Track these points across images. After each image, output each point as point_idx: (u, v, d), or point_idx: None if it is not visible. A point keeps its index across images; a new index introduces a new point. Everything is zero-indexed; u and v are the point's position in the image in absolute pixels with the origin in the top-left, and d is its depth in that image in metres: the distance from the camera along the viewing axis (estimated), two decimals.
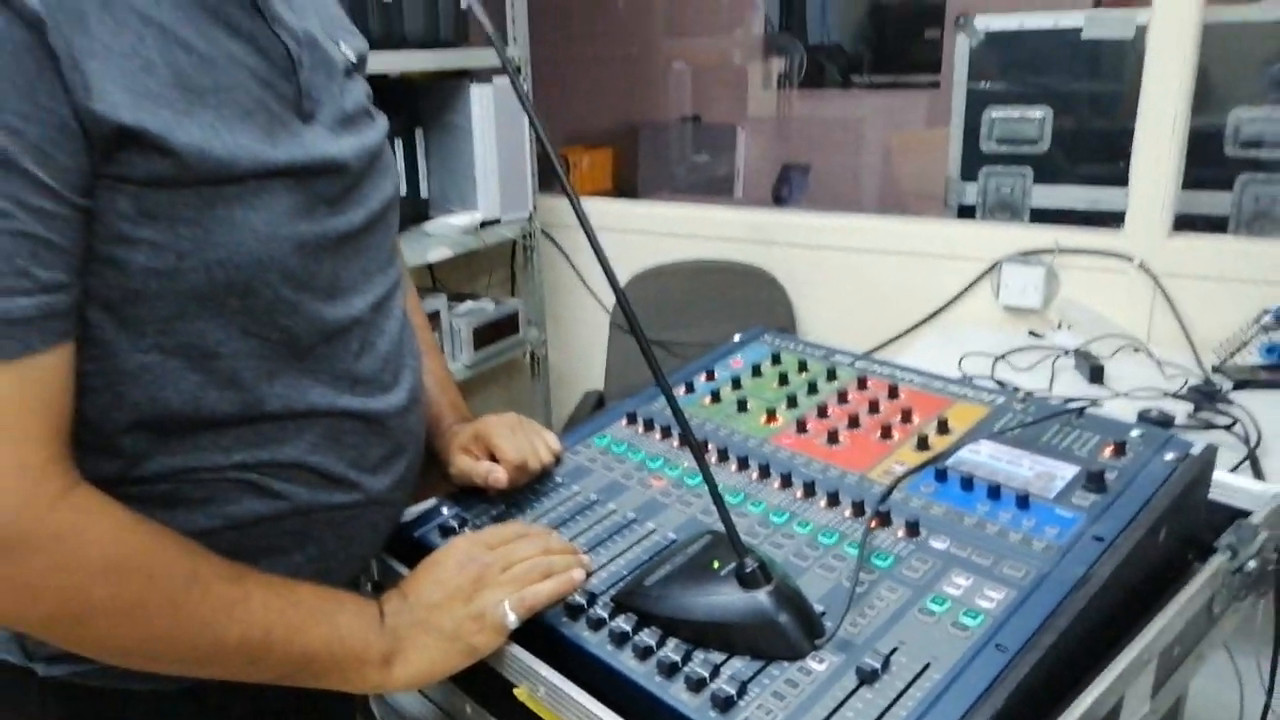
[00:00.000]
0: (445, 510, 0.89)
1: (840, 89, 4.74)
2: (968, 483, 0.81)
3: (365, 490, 0.76)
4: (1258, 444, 1.43)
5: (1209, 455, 0.83)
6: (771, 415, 0.96)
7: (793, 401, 0.97)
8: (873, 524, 0.78)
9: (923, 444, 0.88)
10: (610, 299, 2.45)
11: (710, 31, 4.55)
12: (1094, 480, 0.79)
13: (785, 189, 3.84)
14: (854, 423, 0.93)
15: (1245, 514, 0.85)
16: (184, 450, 0.67)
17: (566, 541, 0.80)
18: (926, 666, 0.64)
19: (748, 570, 0.69)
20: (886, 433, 0.91)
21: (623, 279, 2.37)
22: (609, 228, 2.53)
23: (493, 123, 2.13)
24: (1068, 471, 0.81)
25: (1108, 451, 0.83)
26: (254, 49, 0.68)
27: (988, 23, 2.32)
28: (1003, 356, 1.83)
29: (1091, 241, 1.98)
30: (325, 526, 0.74)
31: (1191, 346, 1.83)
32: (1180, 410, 1.53)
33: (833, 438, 0.91)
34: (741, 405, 0.99)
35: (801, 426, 0.94)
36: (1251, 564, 0.85)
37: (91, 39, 0.57)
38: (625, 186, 3.84)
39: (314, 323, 0.70)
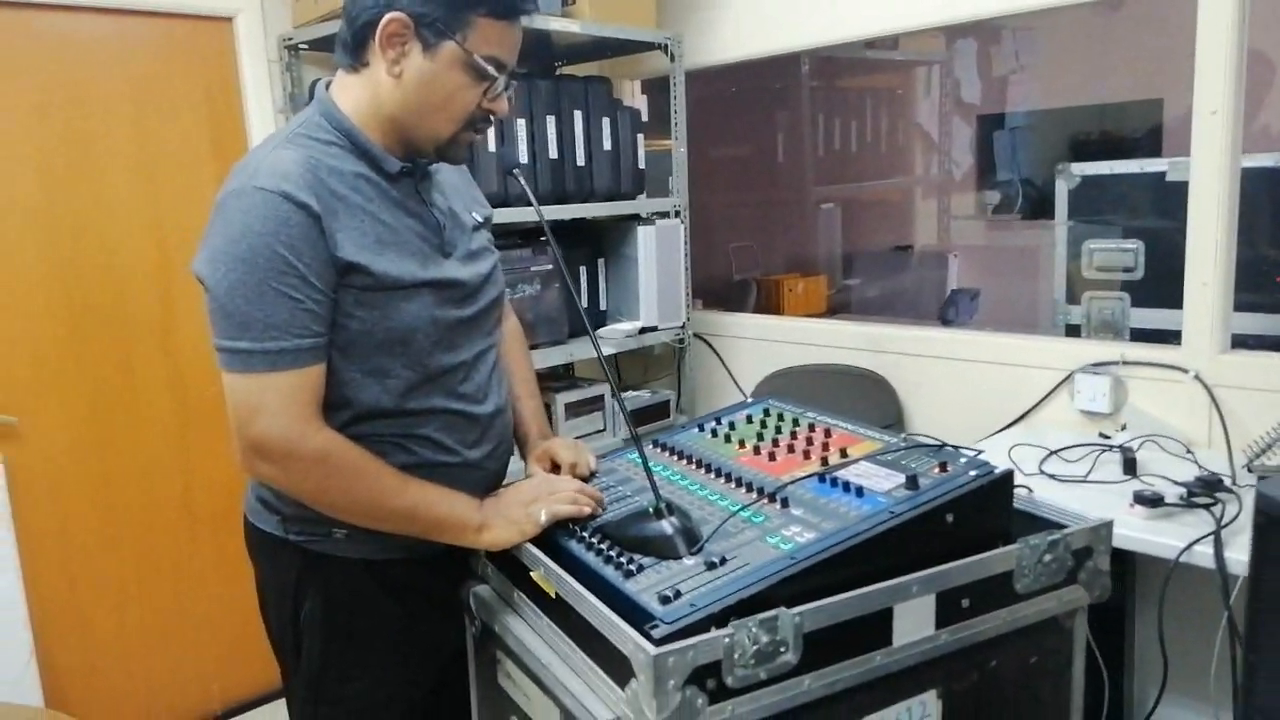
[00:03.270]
0: None
1: (1028, 220, 5.02)
2: (835, 483, 1.26)
3: (464, 457, 1.35)
4: (1231, 521, 1.69)
5: (1007, 475, 1.23)
6: (742, 444, 1.45)
7: (761, 437, 1.45)
8: (764, 502, 1.24)
9: (824, 462, 1.33)
10: (748, 389, 2.94)
11: (905, 171, 5.03)
12: (911, 482, 1.21)
13: (952, 311, 4.18)
14: (791, 450, 1.39)
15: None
16: (369, 424, 1.28)
17: (594, 490, 1.32)
18: (746, 564, 1.10)
19: (658, 509, 1.18)
20: (807, 456, 1.36)
21: (759, 377, 2.89)
22: (754, 337, 3.07)
23: (654, 254, 2.75)
24: (901, 478, 1.23)
25: (935, 469, 1.25)
26: (418, 220, 1.32)
27: (1083, 168, 2.67)
28: (1055, 452, 2.15)
29: (1153, 356, 2.25)
30: (441, 475, 1.32)
31: (1228, 447, 2.06)
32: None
33: (771, 457, 1.38)
34: (727, 439, 1.48)
35: (756, 450, 1.41)
36: (1047, 557, 1.22)
37: (338, 221, 1.21)
38: (839, 308, 4.35)
39: (440, 362, 1.31)
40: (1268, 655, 0.96)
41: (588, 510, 1.27)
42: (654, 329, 2.81)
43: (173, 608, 2.68)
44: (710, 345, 3.15)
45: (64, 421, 2.48)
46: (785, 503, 1.23)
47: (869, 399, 2.73)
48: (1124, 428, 2.27)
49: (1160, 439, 2.14)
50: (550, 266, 2.61)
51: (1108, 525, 1.29)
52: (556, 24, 2.49)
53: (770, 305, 3.80)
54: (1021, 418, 2.48)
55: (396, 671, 1.37)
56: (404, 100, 1.26)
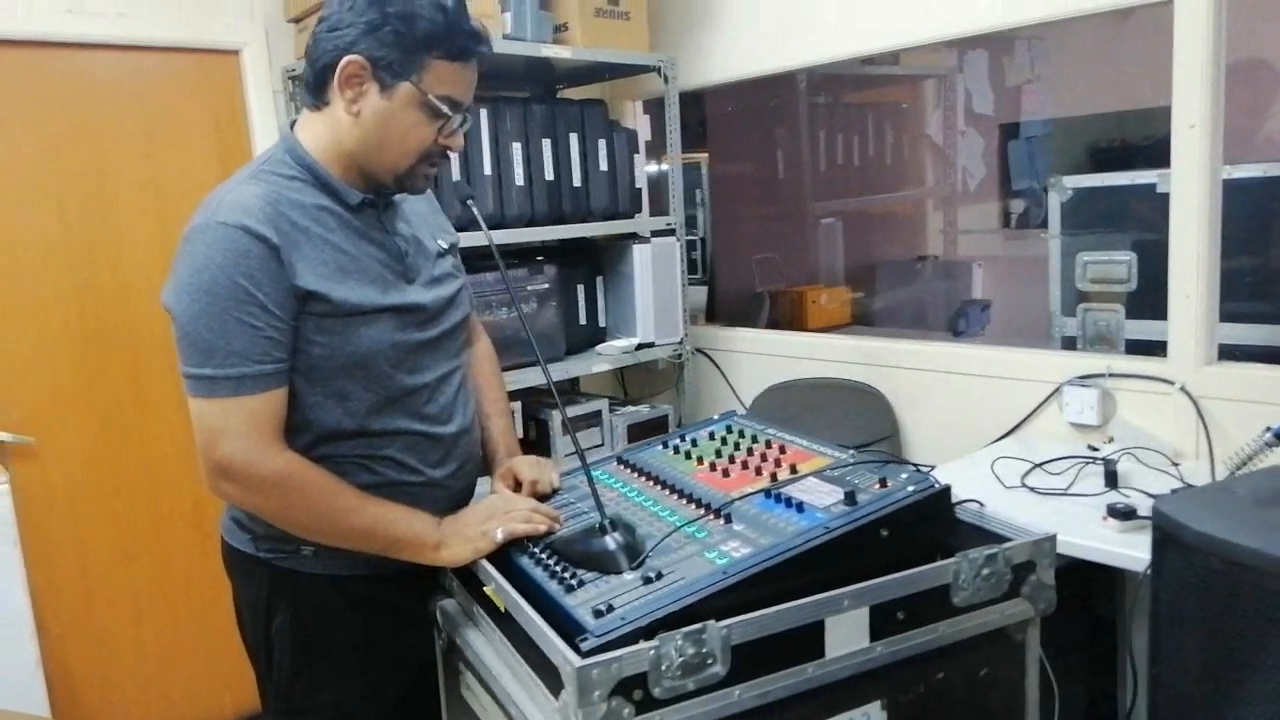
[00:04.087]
0: None
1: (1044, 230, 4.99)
2: (779, 499, 1.29)
3: (428, 477, 1.40)
4: None
5: (944, 490, 1.26)
6: (700, 461, 1.49)
7: (719, 454, 1.49)
8: (709, 517, 1.28)
9: (774, 478, 1.37)
10: (749, 403, 2.98)
11: (921, 183, 5.05)
12: (849, 498, 1.24)
13: (962, 322, 4.18)
14: (745, 466, 1.43)
15: None
16: (331, 445, 1.34)
17: (550, 509, 1.37)
18: (681, 578, 1.14)
19: (602, 526, 1.23)
20: (759, 472, 1.40)
21: (758, 390, 2.92)
22: (754, 351, 3.10)
23: (650, 271, 2.80)
24: (841, 494, 1.27)
25: (876, 485, 1.28)
26: (380, 248, 1.37)
27: (1075, 180, 2.67)
28: (1039, 465, 2.16)
29: (1139, 368, 2.26)
30: (405, 494, 1.37)
31: (1211, 459, 2.06)
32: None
33: (725, 474, 1.42)
34: (688, 455, 1.52)
35: (713, 467, 1.45)
36: (985, 571, 1.25)
37: (298, 251, 1.27)
38: (864, 319, 4.37)
39: (402, 385, 1.36)
40: (1167, 668, 0.98)
41: (542, 528, 1.32)
42: (651, 345, 2.86)
43: (185, 619, 2.77)
44: (712, 360, 3.19)
45: (79, 439, 2.58)
46: (729, 518, 1.27)
47: (863, 413, 2.75)
48: (1111, 440, 2.28)
49: (1146, 451, 2.14)
50: (546, 286, 2.67)
51: (1050, 539, 1.31)
52: (548, 51, 2.55)
53: (794, 317, 3.83)
54: (1012, 430, 2.49)
55: (364, 683, 1.42)
56: (363, 137, 1.32)
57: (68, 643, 2.58)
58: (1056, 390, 2.39)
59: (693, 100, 4.20)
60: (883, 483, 1.28)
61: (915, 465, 1.37)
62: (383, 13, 1.27)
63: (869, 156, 4.94)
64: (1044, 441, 2.38)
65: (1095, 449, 2.27)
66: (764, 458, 1.45)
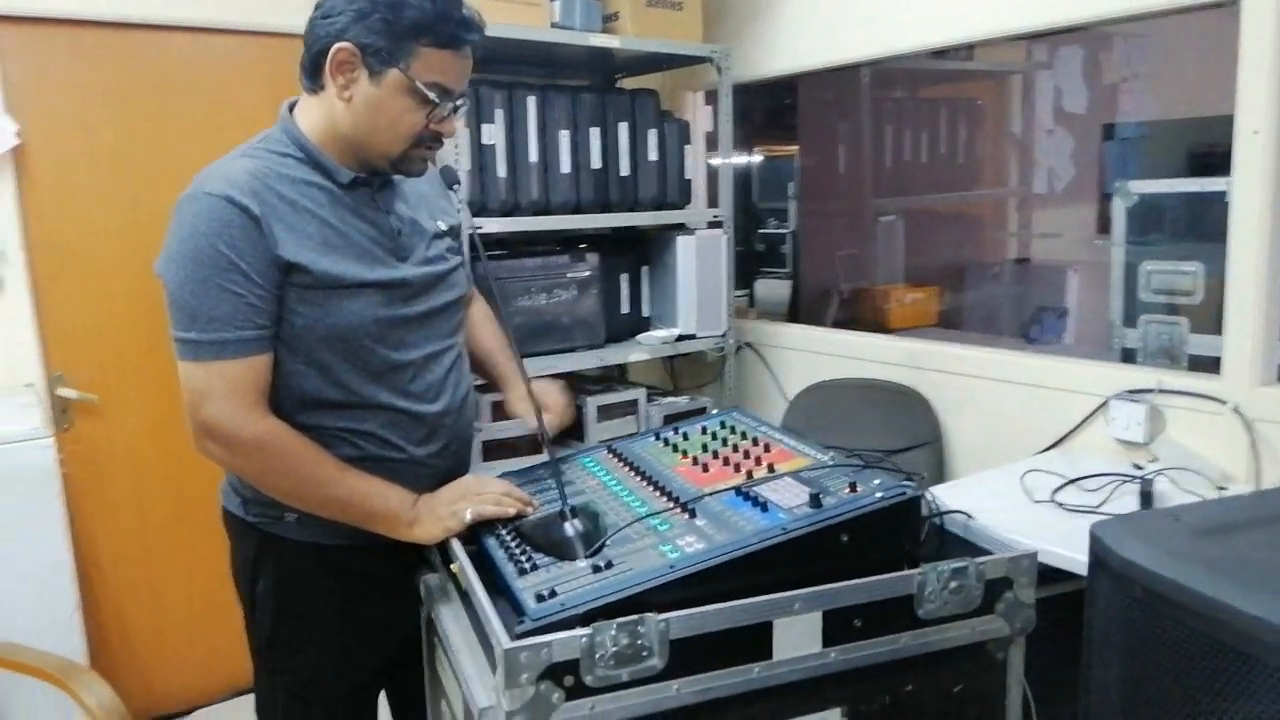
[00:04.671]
0: None
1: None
2: (747, 497, 1.28)
3: (410, 455, 1.43)
4: None
5: (914, 499, 1.22)
6: (685, 454, 1.48)
7: (705, 449, 1.48)
8: (676, 511, 1.28)
9: (749, 475, 1.35)
10: (791, 397, 2.94)
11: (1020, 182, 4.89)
12: (814, 500, 1.22)
13: (1036, 329, 4.02)
14: (726, 462, 1.42)
15: None
16: (314, 416, 1.38)
17: (524, 493, 1.39)
18: (630, 569, 1.14)
19: (563, 513, 1.24)
20: (738, 469, 1.39)
21: (798, 388, 2.88)
22: (794, 348, 3.06)
23: (693, 263, 2.79)
24: (808, 495, 1.24)
25: (846, 489, 1.25)
26: (373, 225, 1.41)
27: (1141, 186, 2.55)
28: (1073, 481, 2.07)
29: (1190, 385, 2.14)
30: (386, 470, 1.41)
31: (1258, 486, 1.94)
32: None
33: (705, 469, 1.41)
34: (675, 448, 1.51)
35: (695, 461, 1.44)
36: (954, 584, 1.21)
37: (281, 222, 1.31)
38: (950, 321, 4.27)
39: (384, 360, 1.39)
40: (1095, 698, 0.93)
41: (511, 511, 1.34)
42: (692, 337, 2.84)
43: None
44: (759, 354, 3.16)
45: (140, 402, 2.72)
46: (694, 513, 1.26)
47: (904, 416, 2.68)
48: (1155, 459, 2.17)
49: (1192, 473, 2.03)
50: (587, 273, 2.68)
51: (1030, 556, 1.26)
52: (595, 40, 2.56)
53: (876, 317, 3.75)
54: (1057, 443, 2.39)
55: (342, 649, 1.46)
56: (354, 121, 1.36)
57: (123, 593, 2.73)
58: (1104, 404, 2.28)
59: (785, 90, 4.15)
60: (852, 487, 1.25)
61: (906, 473, 1.34)
62: (372, 1, 1.29)
63: (954, 154, 4.79)
64: (1088, 456, 2.28)
65: (1139, 467, 2.16)
66: (747, 455, 1.43)
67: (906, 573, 1.19)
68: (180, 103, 2.73)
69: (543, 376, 2.53)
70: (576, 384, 2.83)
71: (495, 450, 2.47)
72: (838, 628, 1.17)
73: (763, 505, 1.24)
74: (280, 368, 1.35)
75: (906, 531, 1.24)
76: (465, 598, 1.30)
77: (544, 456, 1.53)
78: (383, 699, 1.65)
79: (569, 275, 2.65)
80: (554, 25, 2.54)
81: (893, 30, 2.68)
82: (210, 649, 2.86)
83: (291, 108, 1.43)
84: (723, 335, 2.91)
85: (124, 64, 2.66)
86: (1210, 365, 2.38)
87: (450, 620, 1.34)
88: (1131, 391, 2.23)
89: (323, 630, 1.45)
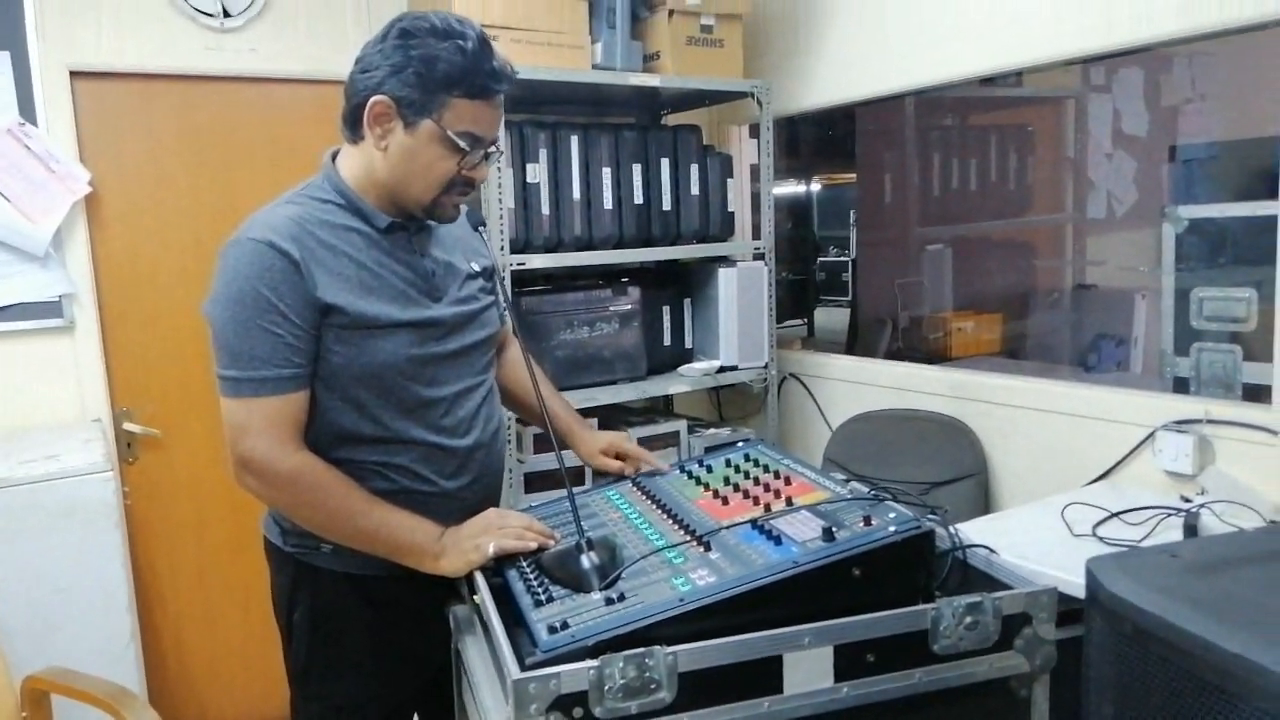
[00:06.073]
0: None
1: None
2: (762, 530, 1.29)
3: (441, 488, 1.48)
4: None
5: (925, 534, 1.22)
6: (706, 487, 1.50)
7: (727, 481, 1.50)
8: (691, 544, 1.30)
9: (767, 509, 1.36)
10: (834, 428, 2.93)
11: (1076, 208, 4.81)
12: (827, 534, 1.23)
13: (1094, 357, 3.93)
14: (746, 495, 1.43)
15: None
16: (350, 450, 1.44)
17: (544, 527, 1.42)
18: (641, 602, 1.17)
19: (579, 545, 1.27)
20: (757, 501, 1.40)
21: (844, 418, 2.87)
22: (839, 379, 3.05)
23: (735, 294, 2.81)
24: (821, 528, 1.25)
25: (861, 522, 1.26)
26: (408, 268, 1.47)
27: (1191, 211, 2.50)
28: (1116, 514, 2.03)
29: (1239, 415, 2.09)
30: (418, 503, 1.45)
31: None
32: None
33: (725, 502, 1.43)
34: (698, 481, 1.54)
35: (715, 494, 1.46)
36: (969, 619, 1.20)
37: (320, 266, 1.38)
38: (1016, 349, 4.21)
39: (417, 396, 1.45)
40: None
41: (532, 545, 1.37)
42: (734, 368, 2.86)
43: None
44: (805, 385, 3.16)
45: (200, 435, 2.84)
46: (709, 546, 1.28)
47: (949, 448, 2.65)
48: (1203, 491, 2.11)
49: (1240, 506, 1.97)
50: (629, 307, 2.72)
51: (1049, 592, 1.24)
52: (635, 79, 2.62)
53: (937, 345, 3.70)
54: (1105, 474, 2.34)
55: (375, 676, 1.51)
56: (390, 169, 1.43)
57: (181, 622, 2.84)
58: (1151, 435, 2.23)
59: (844, 119, 4.16)
60: (867, 521, 1.26)
61: (930, 507, 1.34)
62: (407, 55, 1.36)
63: (1006, 180, 4.74)
64: (1136, 488, 2.23)
65: (1188, 500, 2.11)
66: (767, 488, 1.45)
67: (920, 607, 1.19)
68: (242, 150, 2.86)
69: (583, 409, 2.60)
70: (619, 416, 2.87)
71: (537, 482, 2.51)
72: (850, 663, 1.17)
73: (776, 538, 1.25)
74: (318, 404, 1.41)
75: (921, 565, 1.24)
76: (488, 629, 1.33)
77: (583, 488, 1.57)
78: None
79: (611, 308, 2.69)
80: (596, 67, 2.60)
81: (935, 61, 2.68)
82: (264, 677, 2.94)
83: (335, 156, 1.50)
84: (764, 366, 2.92)
85: (192, 114, 2.80)
86: (1267, 395, 2.32)
87: (474, 651, 1.37)
88: (1179, 422, 2.18)
89: (356, 657, 1.50)
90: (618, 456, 1.69)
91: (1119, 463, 2.31)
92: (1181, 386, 2.54)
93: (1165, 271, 2.56)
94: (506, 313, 1.69)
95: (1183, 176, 4.81)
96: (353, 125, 1.45)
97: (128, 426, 2.73)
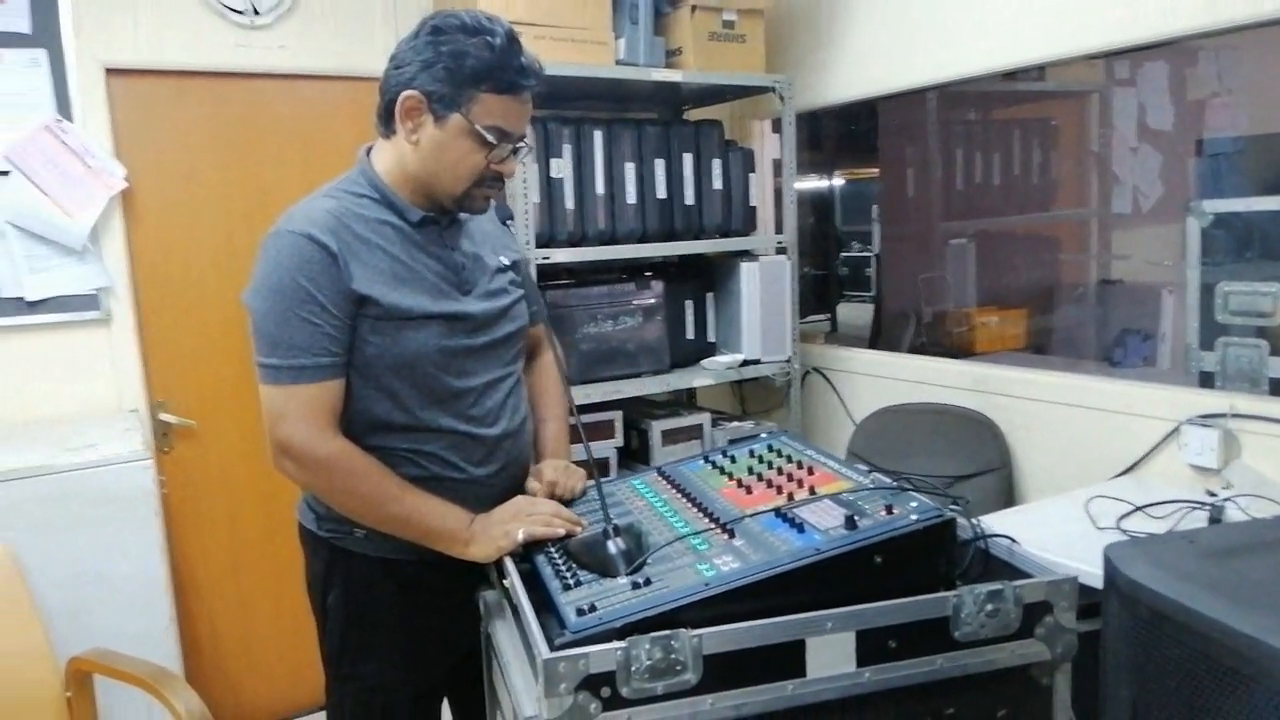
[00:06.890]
0: None
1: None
2: (786, 518, 1.32)
3: (470, 474, 1.51)
4: None
5: (947, 522, 1.24)
6: (731, 477, 1.52)
7: (751, 471, 1.53)
8: (716, 531, 1.33)
9: (790, 498, 1.39)
10: (857, 422, 2.95)
11: (1102, 202, 4.79)
12: (849, 522, 1.25)
13: (1119, 352, 3.91)
14: (770, 484, 1.46)
15: None
16: (382, 437, 1.47)
17: (572, 514, 1.45)
18: (666, 586, 1.19)
19: (606, 532, 1.30)
20: (780, 490, 1.43)
21: (867, 412, 2.89)
22: (863, 372, 3.06)
23: (757, 288, 2.83)
24: (843, 516, 1.28)
25: (883, 511, 1.28)
26: (439, 261, 1.50)
27: (1215, 205, 2.49)
28: (1141, 508, 2.04)
29: (1265, 409, 2.09)
30: (447, 489, 1.49)
31: None
32: None
33: (749, 491, 1.45)
34: (723, 471, 1.56)
35: (740, 484, 1.49)
36: (990, 607, 1.22)
37: (356, 258, 1.42)
38: (1042, 344, 4.20)
39: (447, 386, 1.48)
40: (1113, 714, 0.93)
41: (560, 531, 1.40)
42: (756, 362, 2.88)
43: None
44: (828, 379, 3.18)
45: (234, 426, 2.89)
46: (733, 534, 1.31)
47: (973, 441, 2.66)
48: (1229, 485, 2.11)
49: (1265, 499, 1.98)
50: (653, 301, 2.75)
51: (1070, 580, 1.26)
52: (657, 75, 2.64)
53: (961, 341, 3.70)
54: (1130, 468, 2.35)
55: (406, 658, 1.55)
56: (421, 163, 1.46)
57: (216, 607, 2.90)
58: (1176, 429, 2.24)
59: (866, 113, 4.17)
60: (889, 509, 1.28)
61: (952, 497, 1.36)
62: (437, 51, 1.40)
63: (1030, 173, 4.72)
64: (1161, 482, 2.23)
65: (1214, 494, 2.11)
66: (790, 478, 1.47)
67: (941, 595, 1.21)
68: (274, 145, 2.91)
69: (607, 401, 2.63)
70: (643, 408, 2.90)
71: None
72: (872, 648, 1.20)
73: (799, 526, 1.28)
74: (352, 393, 1.45)
75: (942, 554, 1.26)
76: (517, 613, 1.36)
77: (609, 478, 1.60)
78: (446, 711, 1.73)
79: (635, 302, 2.72)
80: (619, 63, 2.63)
81: (957, 55, 2.69)
82: (296, 662, 3.00)
83: (369, 151, 1.54)
84: (787, 360, 2.94)
85: (224, 110, 2.85)
86: None
87: (504, 634, 1.41)
88: (1204, 416, 2.19)
89: (388, 639, 1.54)
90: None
91: (1144, 457, 2.31)
92: (1207, 381, 2.52)
93: (1190, 266, 2.55)
94: (539, 312, 1.71)
95: (1209, 171, 4.78)
96: (386, 120, 1.49)
97: (163, 417, 2.79)
